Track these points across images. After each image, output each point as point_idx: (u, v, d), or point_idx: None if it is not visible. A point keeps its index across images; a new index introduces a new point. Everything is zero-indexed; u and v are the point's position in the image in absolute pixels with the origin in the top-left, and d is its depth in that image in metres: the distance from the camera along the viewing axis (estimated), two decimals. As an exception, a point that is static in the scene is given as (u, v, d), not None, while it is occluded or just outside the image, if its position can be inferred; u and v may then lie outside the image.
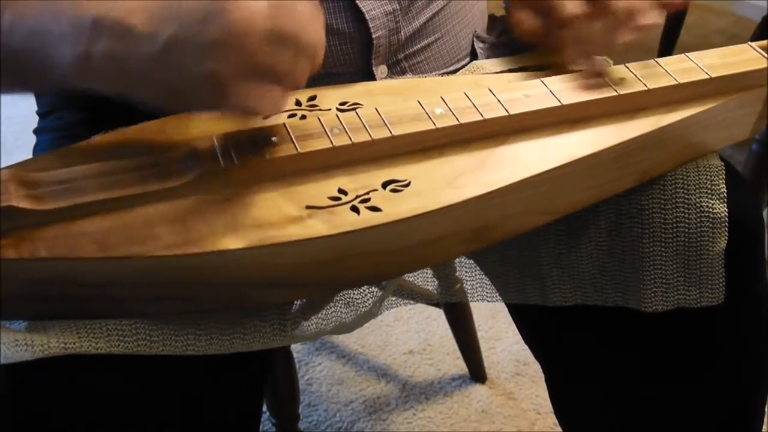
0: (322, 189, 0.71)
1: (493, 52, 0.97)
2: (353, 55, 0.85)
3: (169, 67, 0.64)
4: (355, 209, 0.70)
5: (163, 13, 0.64)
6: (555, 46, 0.83)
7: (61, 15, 0.66)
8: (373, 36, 0.85)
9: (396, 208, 0.70)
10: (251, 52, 0.64)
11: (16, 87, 0.72)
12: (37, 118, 0.99)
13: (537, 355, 0.98)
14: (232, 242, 0.66)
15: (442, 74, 0.92)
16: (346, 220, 0.69)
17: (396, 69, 0.89)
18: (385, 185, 0.72)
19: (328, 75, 0.84)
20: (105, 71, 0.65)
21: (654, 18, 0.80)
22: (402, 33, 0.87)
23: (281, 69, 0.66)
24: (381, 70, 0.87)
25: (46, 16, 0.66)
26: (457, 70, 0.94)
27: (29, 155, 0.84)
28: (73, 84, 0.67)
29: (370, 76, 0.86)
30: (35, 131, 0.98)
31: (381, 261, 0.74)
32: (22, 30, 0.66)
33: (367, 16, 0.84)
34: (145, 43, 0.64)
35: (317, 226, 0.68)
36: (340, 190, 0.71)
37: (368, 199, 0.70)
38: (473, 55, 0.97)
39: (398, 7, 0.86)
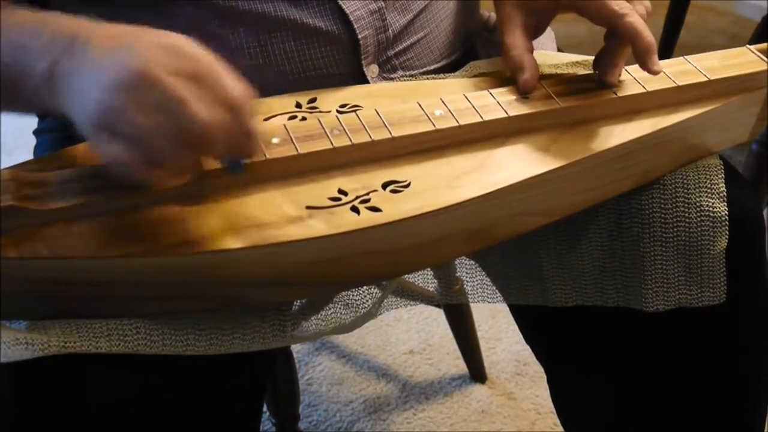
0: (323, 189, 0.71)
1: (494, 50, 0.97)
2: (342, 56, 0.85)
3: (84, 93, 0.63)
4: (355, 209, 0.70)
5: (117, 44, 0.64)
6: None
7: (43, 30, 0.66)
8: (359, 36, 0.85)
9: (396, 208, 0.70)
10: (139, 104, 0.61)
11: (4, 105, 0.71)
12: (36, 119, 0.99)
13: (538, 355, 0.98)
14: (233, 242, 0.67)
15: (435, 69, 0.92)
16: (346, 220, 0.69)
17: (387, 67, 0.89)
18: (385, 186, 0.72)
19: (320, 77, 0.84)
20: (60, 86, 0.64)
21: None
22: (390, 30, 0.87)
23: (168, 127, 0.62)
24: (372, 69, 0.87)
25: (27, 30, 0.66)
26: (449, 64, 0.94)
27: (29, 156, 0.84)
28: (43, 101, 0.66)
29: (362, 76, 0.86)
30: (35, 132, 0.98)
31: (381, 261, 0.74)
32: (4, 44, 0.66)
33: (351, 17, 0.84)
34: (89, 65, 0.63)
35: (317, 226, 0.68)
36: (340, 191, 0.71)
37: (368, 200, 0.71)
38: (469, 52, 0.97)
39: (383, 5, 0.86)
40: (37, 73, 0.65)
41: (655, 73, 0.79)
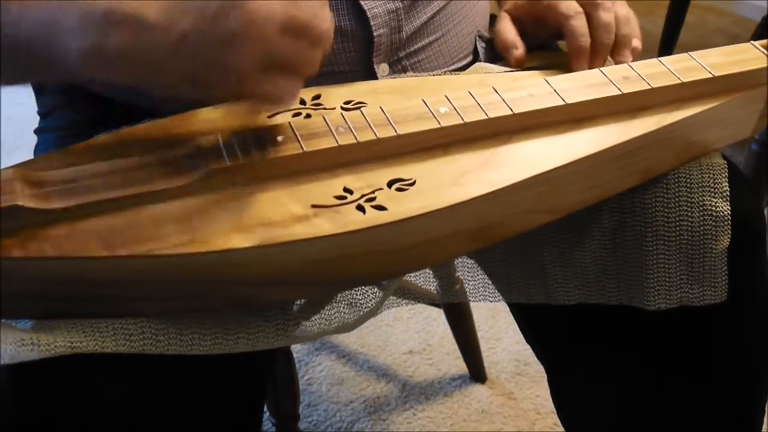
0: (328, 188, 0.71)
1: (495, 51, 0.97)
2: (355, 53, 0.85)
3: (187, 57, 0.65)
4: (360, 208, 0.70)
5: (177, 7, 0.64)
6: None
7: (71, 7, 0.65)
8: (375, 34, 0.85)
9: (401, 207, 0.70)
10: (268, 43, 0.64)
11: (20, 78, 0.72)
12: (37, 118, 0.98)
13: (538, 354, 0.98)
14: (239, 241, 0.66)
15: (445, 73, 0.92)
16: (351, 219, 0.69)
17: (397, 67, 0.89)
18: (390, 184, 0.72)
19: (330, 73, 0.84)
20: (118, 63, 0.65)
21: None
22: (404, 32, 0.87)
23: (297, 58, 0.67)
24: (382, 68, 0.87)
25: (55, 7, 0.65)
26: (459, 68, 0.94)
27: (29, 155, 0.84)
28: (80, 76, 0.67)
29: (372, 74, 0.86)
30: (36, 131, 0.97)
31: (386, 259, 0.74)
32: (30, 21, 0.65)
33: (369, 14, 0.84)
34: (160, 34, 0.64)
35: (323, 225, 0.68)
36: (346, 189, 0.71)
37: (374, 198, 0.70)
38: (475, 54, 0.97)
39: (401, 6, 0.86)
40: (73, 51, 0.65)
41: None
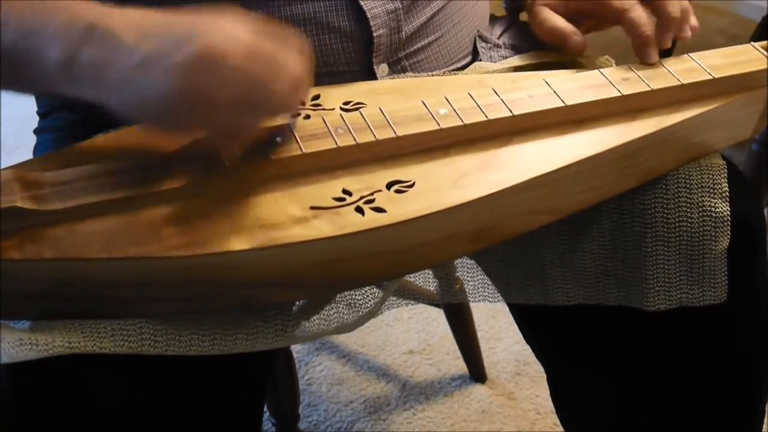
0: (327, 190, 0.71)
1: (495, 51, 0.97)
2: (354, 54, 0.85)
3: (140, 82, 0.64)
4: (359, 210, 0.70)
5: (150, 30, 0.65)
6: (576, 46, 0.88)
7: (56, 16, 0.66)
8: (374, 35, 0.85)
9: (400, 209, 0.70)
10: (217, 82, 0.64)
11: (4, 85, 0.71)
12: (37, 118, 0.98)
13: (538, 354, 0.98)
14: (237, 243, 0.66)
15: (445, 73, 0.92)
16: (350, 221, 0.69)
17: (397, 68, 0.88)
18: (389, 186, 0.72)
19: (329, 73, 0.84)
20: (86, 77, 0.65)
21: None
22: (403, 32, 0.87)
23: (255, 93, 0.66)
24: (382, 68, 0.87)
25: (41, 15, 0.66)
26: (459, 69, 0.94)
27: (29, 155, 0.84)
28: (55, 86, 0.67)
29: (371, 75, 0.86)
30: (35, 131, 0.97)
31: (385, 261, 0.74)
32: (14, 27, 0.66)
33: (368, 14, 0.84)
34: (126, 55, 0.64)
35: (322, 227, 0.68)
36: (345, 191, 0.71)
37: (373, 200, 0.70)
38: (474, 55, 0.97)
39: (400, 6, 0.86)
40: (50, 61, 0.65)
41: (648, 64, 0.84)
